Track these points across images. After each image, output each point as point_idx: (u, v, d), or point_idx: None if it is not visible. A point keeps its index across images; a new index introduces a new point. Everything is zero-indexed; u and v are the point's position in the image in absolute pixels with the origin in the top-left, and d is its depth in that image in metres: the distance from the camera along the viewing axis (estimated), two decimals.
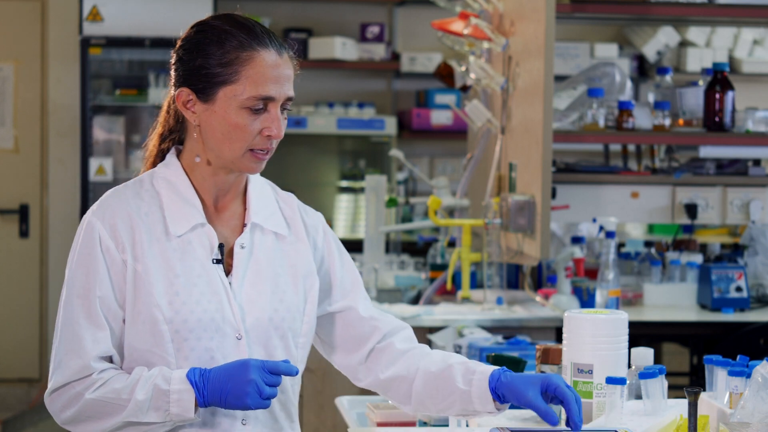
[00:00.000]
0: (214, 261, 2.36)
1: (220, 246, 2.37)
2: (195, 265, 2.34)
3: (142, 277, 2.31)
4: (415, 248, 6.44)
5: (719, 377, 2.65)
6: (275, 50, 2.34)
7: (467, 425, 2.80)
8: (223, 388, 2.24)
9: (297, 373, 2.30)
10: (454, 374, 2.42)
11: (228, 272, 2.38)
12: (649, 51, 7.81)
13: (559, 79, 5.58)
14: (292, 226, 2.46)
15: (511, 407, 2.94)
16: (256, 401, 2.24)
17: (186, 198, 2.38)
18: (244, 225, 2.42)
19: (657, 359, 3.04)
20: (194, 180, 2.41)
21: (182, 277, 2.33)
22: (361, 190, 7.53)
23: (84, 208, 7.20)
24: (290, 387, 2.42)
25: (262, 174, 2.47)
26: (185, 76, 2.36)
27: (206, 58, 2.34)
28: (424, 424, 2.92)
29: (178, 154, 2.43)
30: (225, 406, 2.26)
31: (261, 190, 2.47)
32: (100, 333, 2.31)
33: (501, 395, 2.38)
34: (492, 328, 4.51)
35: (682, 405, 2.61)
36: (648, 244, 6.03)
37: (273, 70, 2.33)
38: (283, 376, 2.29)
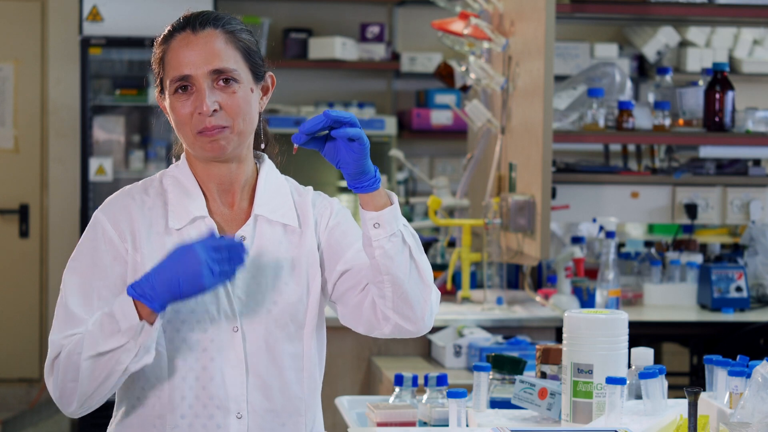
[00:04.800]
0: None
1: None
2: None
3: (140, 268, 2.34)
4: None
5: (719, 377, 2.65)
6: (190, 29, 2.36)
7: (467, 425, 2.80)
8: (174, 278, 2.22)
9: (242, 247, 2.23)
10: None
11: None
12: (649, 51, 7.81)
13: (559, 79, 5.58)
14: (303, 217, 2.45)
15: (511, 407, 2.94)
16: (210, 281, 2.22)
17: (189, 192, 2.41)
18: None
19: (657, 359, 3.04)
20: (196, 174, 2.43)
21: None
22: None
23: (84, 208, 7.20)
24: (296, 381, 2.40)
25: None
26: (156, 82, 2.43)
27: (152, 61, 2.42)
28: (424, 424, 2.92)
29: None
30: (181, 296, 2.23)
31: (274, 184, 2.47)
32: (89, 317, 2.33)
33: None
34: (492, 328, 4.51)
35: (682, 405, 2.61)
36: (648, 244, 6.03)
37: (184, 49, 2.34)
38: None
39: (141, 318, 2.23)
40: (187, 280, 2.22)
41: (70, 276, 2.38)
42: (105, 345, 2.25)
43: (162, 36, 2.40)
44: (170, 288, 2.23)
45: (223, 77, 2.34)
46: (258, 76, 2.41)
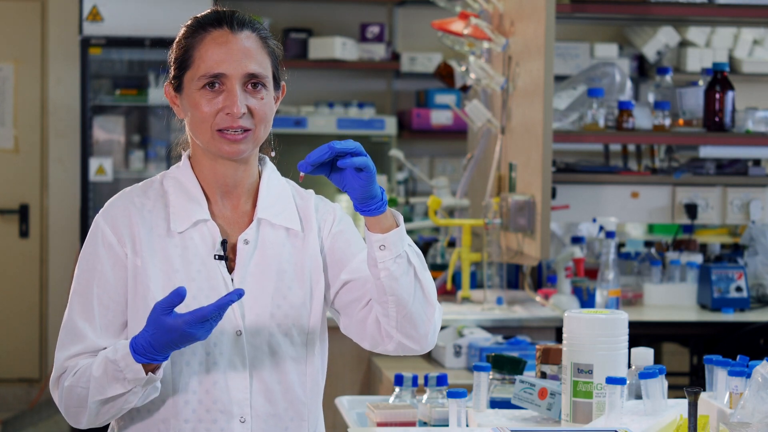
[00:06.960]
0: (216, 257, 2.35)
1: (223, 242, 2.37)
2: (195, 261, 2.35)
3: (140, 272, 2.34)
4: None
5: (719, 377, 2.65)
6: (228, 28, 2.34)
7: (467, 425, 2.80)
8: (172, 344, 2.21)
9: (229, 300, 2.20)
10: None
11: (233, 268, 2.38)
12: (649, 51, 7.81)
13: (559, 79, 5.58)
14: (305, 220, 2.45)
15: (511, 407, 2.94)
16: (206, 335, 2.21)
17: (191, 195, 2.39)
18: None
19: (657, 359, 3.04)
20: (199, 176, 2.41)
21: (181, 272, 2.33)
22: None
23: (84, 208, 7.20)
24: (299, 386, 2.40)
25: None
26: (168, 74, 2.40)
27: (173, 52, 2.39)
28: (424, 424, 2.92)
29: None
30: (182, 347, 2.24)
31: (276, 187, 2.46)
32: (91, 330, 2.33)
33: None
34: (492, 328, 4.51)
35: (682, 405, 2.61)
36: (648, 244, 6.03)
37: (222, 47, 2.32)
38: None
39: (146, 372, 2.25)
40: (185, 344, 2.23)
41: (73, 285, 2.38)
42: (111, 391, 2.26)
43: (188, 27, 2.37)
44: (171, 349, 2.24)
45: (253, 81, 2.34)
46: (278, 84, 2.42)
